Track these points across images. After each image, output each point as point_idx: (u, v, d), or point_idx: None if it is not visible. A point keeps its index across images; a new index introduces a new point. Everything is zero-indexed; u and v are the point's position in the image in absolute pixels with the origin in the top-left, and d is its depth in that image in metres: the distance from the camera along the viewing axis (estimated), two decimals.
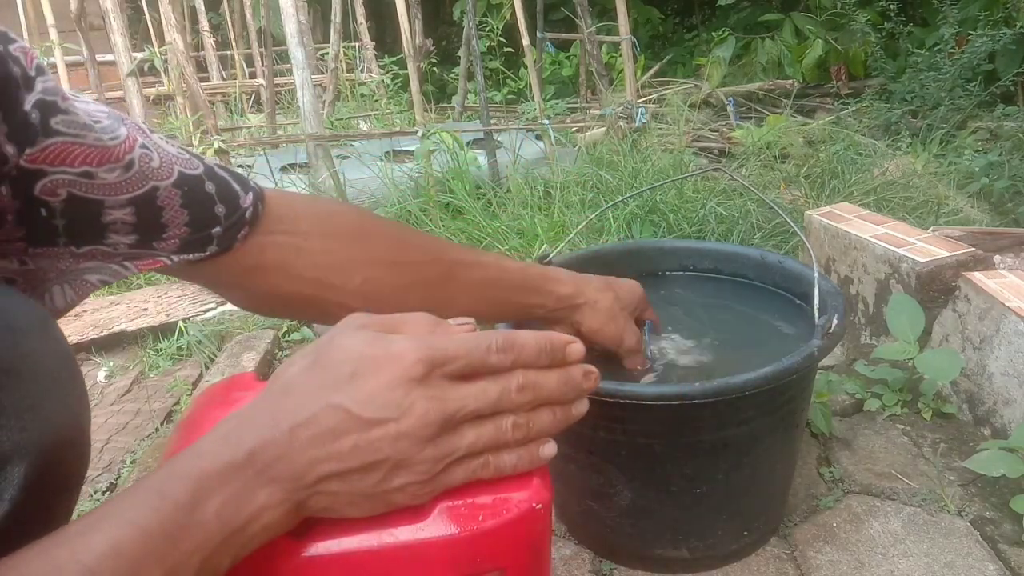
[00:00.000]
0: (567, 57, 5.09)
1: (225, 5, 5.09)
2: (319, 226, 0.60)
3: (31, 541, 0.36)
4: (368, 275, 0.62)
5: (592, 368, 0.46)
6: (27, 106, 0.42)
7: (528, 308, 0.76)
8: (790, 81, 4.20)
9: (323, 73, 4.25)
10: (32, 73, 0.42)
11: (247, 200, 0.54)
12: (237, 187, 0.54)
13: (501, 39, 4.48)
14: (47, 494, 0.41)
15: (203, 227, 0.52)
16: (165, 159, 0.49)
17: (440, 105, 4.66)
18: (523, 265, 0.76)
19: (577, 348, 0.45)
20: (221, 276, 0.57)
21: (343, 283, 0.61)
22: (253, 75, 4.89)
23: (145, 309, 1.85)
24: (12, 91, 0.41)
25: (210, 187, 0.52)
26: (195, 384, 1.59)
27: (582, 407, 0.47)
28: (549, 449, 0.45)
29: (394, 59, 4.66)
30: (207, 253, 0.53)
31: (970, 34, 3.13)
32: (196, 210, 0.51)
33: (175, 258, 0.52)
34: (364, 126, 3.84)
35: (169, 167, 0.50)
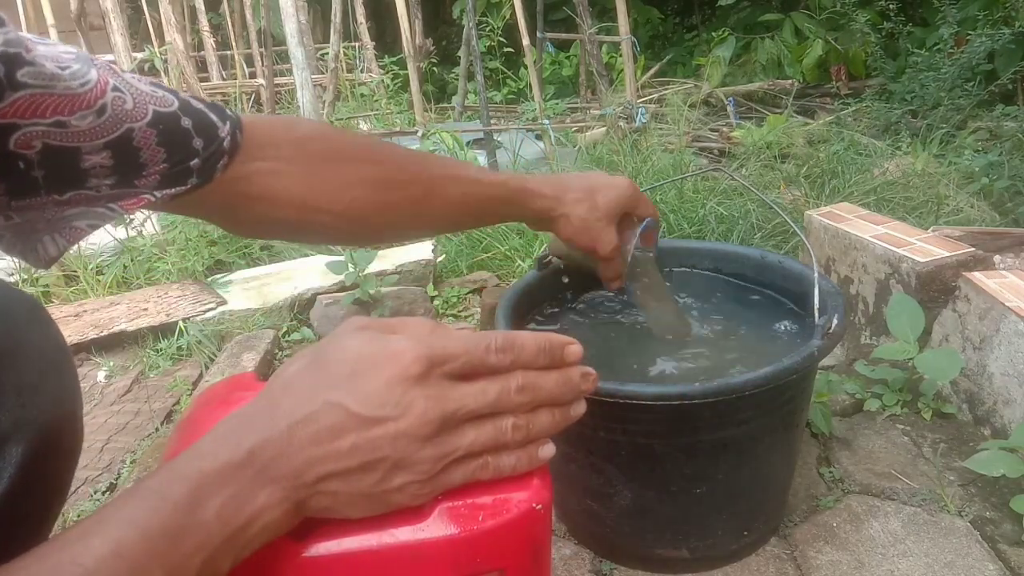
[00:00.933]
0: (567, 57, 5.09)
1: (225, 5, 5.09)
2: (301, 150, 0.60)
3: (28, 518, 0.37)
4: (354, 195, 0.62)
5: (590, 370, 0.46)
6: None
7: (508, 219, 0.79)
8: (790, 81, 4.20)
9: (323, 73, 4.25)
10: None
11: (224, 130, 0.54)
12: (214, 117, 0.54)
13: (501, 39, 4.47)
14: (45, 471, 0.41)
15: (182, 161, 0.52)
16: (139, 99, 0.49)
17: (440, 105, 4.66)
18: (503, 178, 0.76)
19: (575, 349, 0.45)
20: (207, 206, 0.57)
21: (329, 206, 0.61)
22: (253, 75, 4.89)
23: (145, 309, 1.85)
24: None
25: (186, 122, 0.52)
26: (195, 384, 1.59)
27: (580, 408, 0.47)
28: (548, 450, 0.45)
29: (394, 59, 4.66)
30: (188, 186, 0.53)
31: (969, 34, 3.13)
32: (174, 146, 0.51)
33: (158, 194, 0.52)
34: (364, 126, 3.84)
35: (143, 107, 0.49)
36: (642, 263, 0.90)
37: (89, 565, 0.33)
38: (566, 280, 1.04)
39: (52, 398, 0.43)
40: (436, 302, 1.84)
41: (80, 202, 0.49)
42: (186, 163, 0.52)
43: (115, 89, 0.48)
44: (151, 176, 0.51)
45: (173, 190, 0.52)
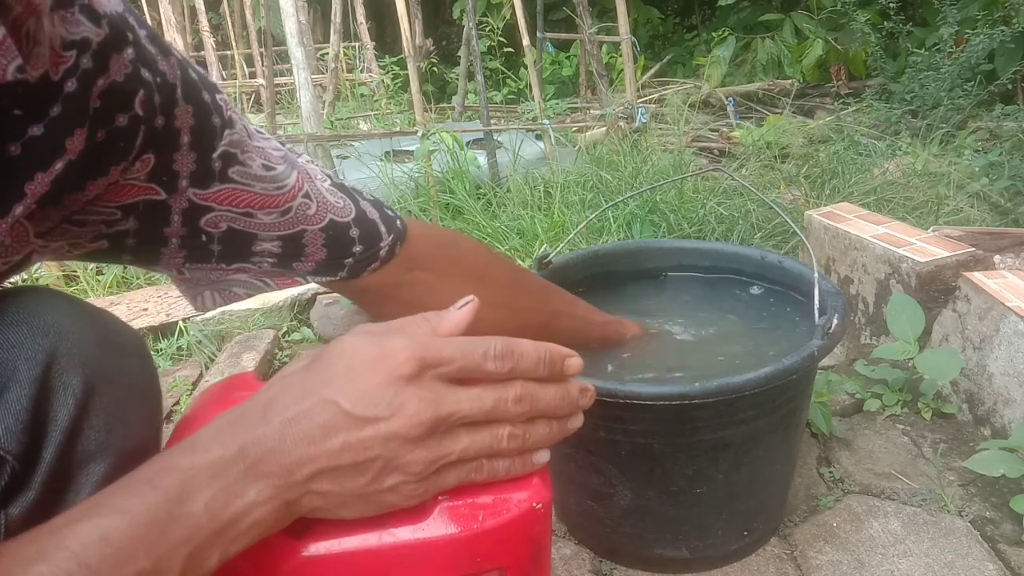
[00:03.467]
0: (567, 57, 5.09)
1: (225, 5, 5.09)
2: (451, 267, 0.68)
3: None
4: (484, 316, 0.67)
5: (588, 386, 0.46)
6: (214, 154, 0.48)
7: (603, 340, 0.91)
8: (790, 81, 4.20)
9: (323, 73, 4.26)
10: (226, 124, 0.48)
11: (386, 241, 0.60)
12: (383, 229, 0.60)
13: (501, 39, 4.48)
14: None
15: (338, 258, 0.58)
16: (321, 207, 0.55)
17: (440, 105, 4.66)
18: (605, 320, 0.89)
19: (575, 362, 0.45)
20: (358, 296, 0.65)
21: None
22: (253, 75, 4.90)
23: (145, 309, 1.85)
24: (209, 140, 0.47)
25: (354, 232, 0.58)
26: (195, 384, 1.59)
27: (577, 422, 0.46)
28: (542, 456, 0.45)
29: (394, 59, 4.66)
30: (336, 278, 0.60)
31: (967, 34, 3.13)
32: (336, 248, 0.57)
33: (309, 278, 0.59)
34: (364, 126, 3.84)
35: (323, 215, 0.56)
36: None
37: (76, 549, 0.33)
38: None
39: (137, 427, 0.46)
40: None
41: (242, 271, 0.56)
42: (340, 260, 0.58)
43: (304, 195, 0.54)
44: (307, 264, 0.57)
45: (323, 278, 0.59)
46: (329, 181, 0.58)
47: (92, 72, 0.39)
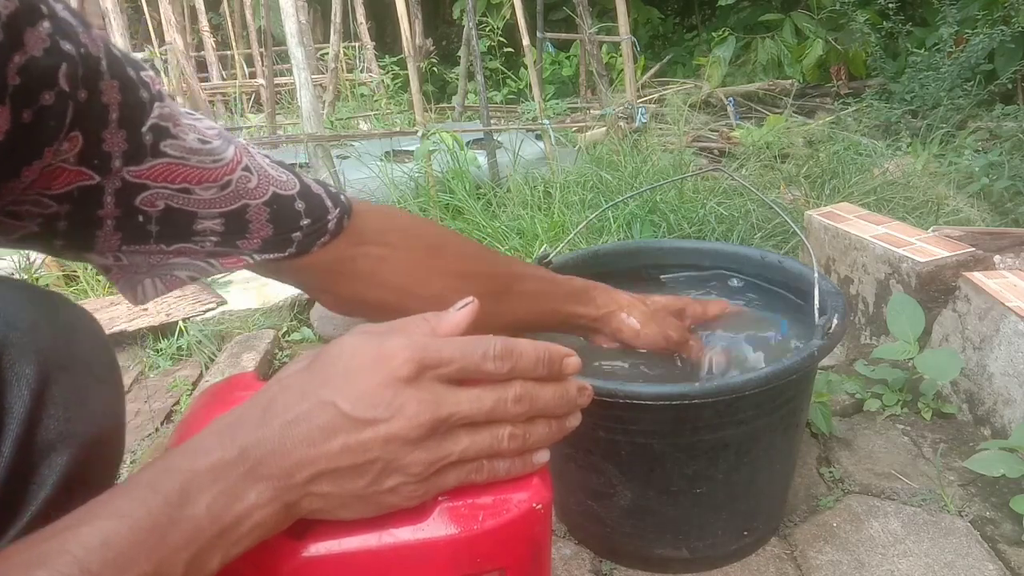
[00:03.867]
0: (567, 57, 5.09)
1: (225, 5, 5.09)
2: (404, 239, 0.66)
3: None
4: (444, 285, 0.67)
5: (587, 384, 0.46)
6: (144, 128, 0.46)
7: (573, 318, 0.83)
8: (790, 81, 4.20)
9: (323, 73, 4.26)
10: (154, 98, 0.47)
11: (333, 214, 0.59)
12: (328, 203, 0.58)
13: (501, 39, 4.47)
14: (86, 482, 0.43)
15: (285, 232, 0.56)
16: (263, 180, 0.54)
17: (440, 105, 4.66)
18: (569, 278, 0.84)
19: (574, 361, 0.45)
20: (308, 277, 0.62)
21: (422, 291, 0.66)
22: (253, 75, 4.90)
23: (145, 309, 1.84)
24: (138, 115, 0.46)
25: (300, 205, 0.56)
26: (195, 384, 1.59)
27: (575, 420, 0.47)
28: (542, 456, 0.45)
29: (394, 59, 4.66)
30: (285, 254, 0.57)
31: (967, 33, 3.13)
32: (281, 222, 0.55)
33: (256, 257, 0.56)
34: (364, 126, 3.84)
35: (265, 187, 0.54)
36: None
37: (78, 554, 0.33)
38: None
39: (98, 412, 0.45)
40: None
41: (184, 253, 0.53)
42: (288, 234, 0.56)
43: (244, 168, 0.52)
44: (253, 241, 0.55)
45: (271, 255, 0.56)
46: (269, 159, 0.56)
47: (5, 46, 0.37)
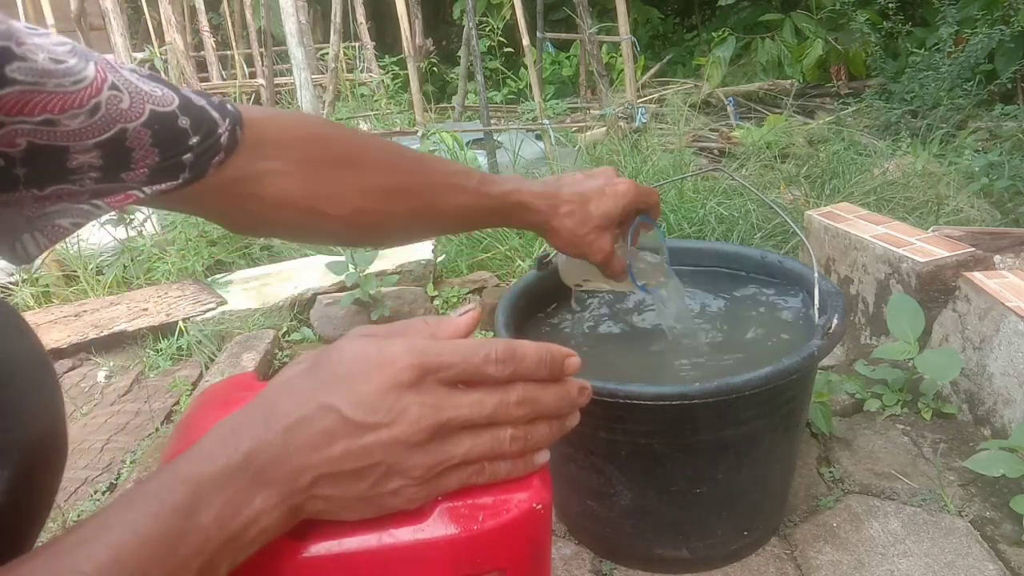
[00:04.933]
0: (567, 57, 5.09)
1: (225, 5, 5.09)
2: (309, 152, 0.58)
3: (14, 537, 0.36)
4: (358, 203, 0.62)
5: (587, 384, 0.46)
6: None
7: (503, 227, 0.79)
8: (790, 81, 4.20)
9: (323, 73, 4.25)
10: None
11: (224, 126, 0.52)
12: (215, 114, 0.51)
13: (501, 39, 4.47)
14: (31, 492, 0.41)
15: (173, 156, 0.49)
16: (136, 98, 0.46)
17: (440, 105, 4.66)
18: (502, 190, 0.74)
19: (575, 362, 0.45)
20: (206, 204, 0.55)
21: (335, 211, 0.61)
22: (253, 75, 4.89)
23: (145, 309, 1.85)
24: None
25: (184, 121, 0.49)
26: (195, 384, 1.59)
27: (575, 420, 0.46)
28: (542, 456, 0.45)
29: (394, 59, 4.66)
30: (179, 180, 0.50)
31: (967, 33, 3.13)
32: (167, 145, 0.49)
33: (147, 189, 0.49)
34: (364, 126, 3.84)
35: (140, 106, 0.47)
36: (642, 255, 0.90)
37: (89, 571, 0.33)
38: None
39: (35, 417, 0.41)
40: (436, 302, 1.84)
41: (62, 197, 0.46)
42: (178, 158, 0.49)
43: (112, 87, 0.45)
44: (139, 171, 0.48)
45: (163, 185, 0.49)
46: (137, 72, 0.48)
47: None
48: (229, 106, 0.53)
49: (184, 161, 0.50)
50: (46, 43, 0.42)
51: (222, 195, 0.54)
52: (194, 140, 0.50)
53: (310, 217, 0.60)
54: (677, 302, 0.95)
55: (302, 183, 0.58)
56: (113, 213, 0.49)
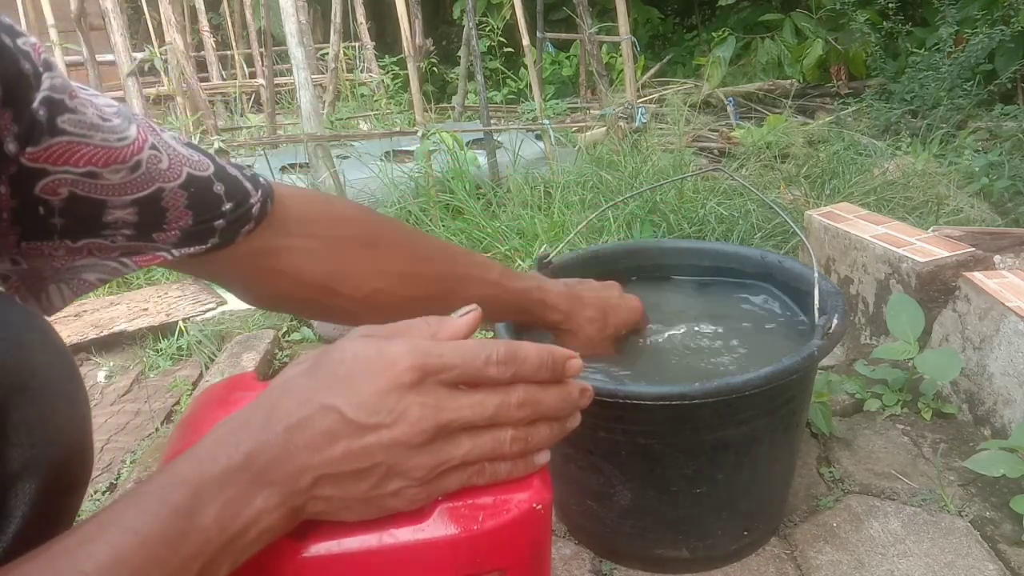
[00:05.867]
0: (567, 57, 5.09)
1: (225, 5, 5.09)
2: (333, 231, 0.60)
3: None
4: (377, 286, 0.63)
5: (587, 386, 0.46)
6: (35, 104, 0.40)
7: (517, 320, 0.81)
8: (790, 81, 4.20)
9: (323, 73, 4.25)
10: (40, 69, 0.41)
11: (256, 197, 0.53)
12: (248, 185, 0.53)
13: (501, 39, 4.47)
14: (55, 505, 0.41)
15: (206, 221, 0.51)
16: (175, 160, 0.48)
17: (440, 105, 4.66)
18: (524, 287, 0.77)
19: (576, 364, 0.45)
20: (229, 273, 0.56)
21: (352, 292, 0.61)
22: (253, 75, 4.89)
23: (145, 309, 1.85)
24: (23, 89, 0.40)
25: (218, 188, 0.51)
26: (195, 384, 1.59)
27: (575, 421, 0.46)
28: (543, 457, 0.45)
29: (394, 59, 4.66)
30: (208, 245, 0.52)
31: (967, 33, 3.13)
32: (201, 208, 0.50)
33: (175, 252, 0.50)
34: (364, 126, 3.84)
35: (178, 169, 0.48)
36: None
37: (89, 571, 0.33)
38: None
39: (63, 431, 0.41)
40: None
41: (92, 252, 0.47)
42: (210, 223, 0.51)
43: (152, 148, 0.47)
44: (171, 232, 0.49)
45: (192, 249, 0.51)
46: (175, 136, 0.50)
47: None
48: (262, 179, 0.55)
49: (215, 227, 0.51)
50: (96, 101, 0.45)
51: (245, 266, 0.55)
52: (227, 207, 0.51)
53: (327, 295, 0.61)
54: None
55: (322, 261, 0.59)
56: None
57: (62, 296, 0.49)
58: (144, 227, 0.48)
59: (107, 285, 2.08)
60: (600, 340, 0.86)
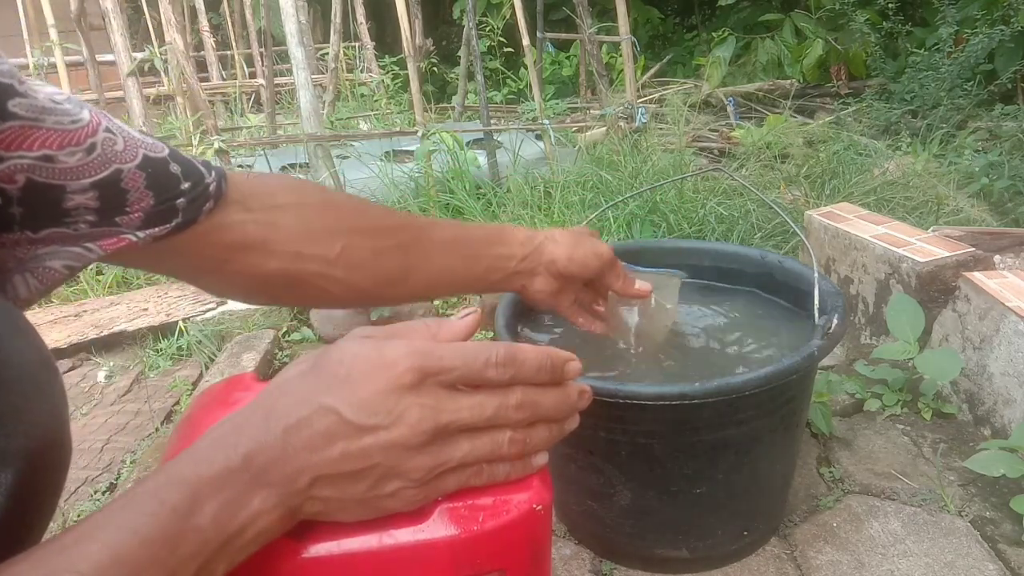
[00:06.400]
0: (567, 57, 5.09)
1: (225, 5, 5.09)
2: (294, 197, 0.60)
3: (16, 543, 0.36)
4: (346, 242, 0.62)
5: (586, 387, 0.46)
6: None
7: (500, 261, 0.75)
8: (790, 81, 4.20)
9: (323, 73, 4.26)
10: None
11: (210, 177, 0.54)
12: (201, 168, 0.54)
13: (501, 39, 4.47)
14: (34, 497, 0.41)
15: (167, 200, 0.50)
16: (130, 143, 0.48)
17: (440, 105, 4.66)
18: (482, 223, 0.74)
19: (575, 366, 0.45)
20: (194, 258, 0.55)
21: (324, 252, 0.61)
22: (253, 75, 4.90)
23: (145, 309, 1.85)
24: None
25: (175, 168, 0.51)
26: (195, 384, 1.59)
27: (573, 423, 0.46)
28: (541, 458, 0.45)
29: (394, 59, 4.66)
30: (171, 225, 0.51)
31: (967, 33, 3.13)
32: (161, 189, 0.50)
33: (140, 234, 0.50)
34: (364, 126, 3.84)
35: (134, 150, 0.48)
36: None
37: (86, 570, 0.32)
38: None
39: (39, 421, 0.41)
40: (436, 302, 1.84)
41: (55, 241, 0.46)
42: (172, 202, 0.51)
43: (107, 130, 0.47)
44: (134, 214, 0.49)
45: (156, 230, 0.50)
46: (126, 125, 0.50)
47: None
48: (212, 164, 0.55)
49: (177, 206, 0.51)
50: (45, 89, 0.44)
51: (212, 247, 0.55)
52: (186, 186, 0.51)
53: (299, 262, 0.60)
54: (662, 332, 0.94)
55: (291, 226, 0.59)
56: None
57: (28, 287, 0.48)
58: (106, 211, 0.47)
59: (106, 285, 2.07)
60: (565, 277, 0.78)
